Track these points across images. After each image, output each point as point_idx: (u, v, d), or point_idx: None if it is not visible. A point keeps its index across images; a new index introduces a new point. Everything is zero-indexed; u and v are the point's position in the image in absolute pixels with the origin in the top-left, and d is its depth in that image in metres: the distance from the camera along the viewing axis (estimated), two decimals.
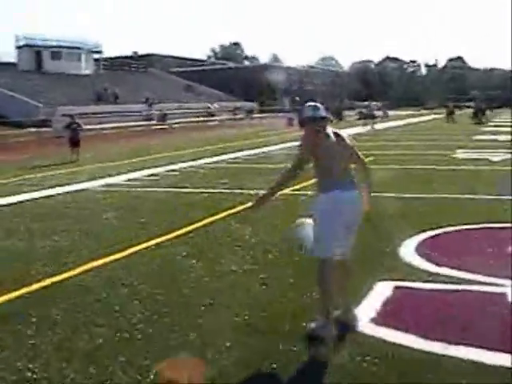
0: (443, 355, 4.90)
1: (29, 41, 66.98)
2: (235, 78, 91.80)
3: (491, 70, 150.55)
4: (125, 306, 6.27)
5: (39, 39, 67.60)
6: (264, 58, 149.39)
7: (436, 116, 65.70)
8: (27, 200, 14.17)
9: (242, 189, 14.45)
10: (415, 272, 7.21)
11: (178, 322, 5.77)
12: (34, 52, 66.55)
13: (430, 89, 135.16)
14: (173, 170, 19.57)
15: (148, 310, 6.09)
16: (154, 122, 55.65)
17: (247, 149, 27.51)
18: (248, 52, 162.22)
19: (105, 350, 5.17)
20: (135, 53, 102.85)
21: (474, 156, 21.67)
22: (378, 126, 43.03)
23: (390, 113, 67.21)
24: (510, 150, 22.54)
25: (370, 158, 16.34)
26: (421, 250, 8.17)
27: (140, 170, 19.83)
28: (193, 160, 22.67)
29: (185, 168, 20.23)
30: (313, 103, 5.72)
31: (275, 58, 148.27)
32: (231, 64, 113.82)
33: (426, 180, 15.58)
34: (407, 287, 6.78)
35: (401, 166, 18.86)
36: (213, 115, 67.66)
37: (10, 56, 68.75)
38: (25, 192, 15.39)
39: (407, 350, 5.02)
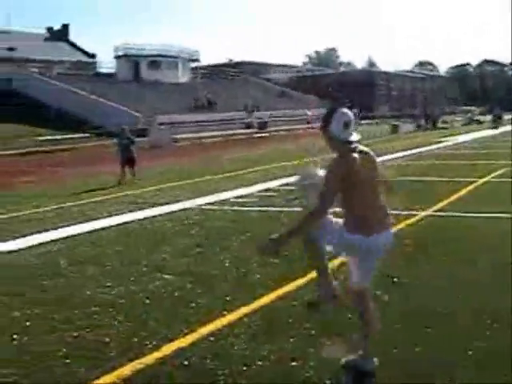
0: None
1: (127, 51, 67.27)
2: (333, 84, 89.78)
3: None
4: None
5: (137, 49, 67.74)
6: (360, 64, 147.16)
7: None
8: (128, 222, 12.70)
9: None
10: None
11: None
12: (132, 62, 66.69)
13: None
14: (286, 184, 17.74)
15: None
16: (254, 130, 54.37)
17: None
18: (343, 58, 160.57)
19: None
20: (230, 60, 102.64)
21: None
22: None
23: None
24: None
25: None
26: None
27: (252, 184, 18.18)
28: None
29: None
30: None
31: (371, 64, 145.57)
32: (330, 70, 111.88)
33: None
34: None
35: None
36: (310, 122, 66.04)
37: (109, 66, 69.72)
38: (129, 211, 14.00)
39: None
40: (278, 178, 19.12)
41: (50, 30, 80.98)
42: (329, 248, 4.96)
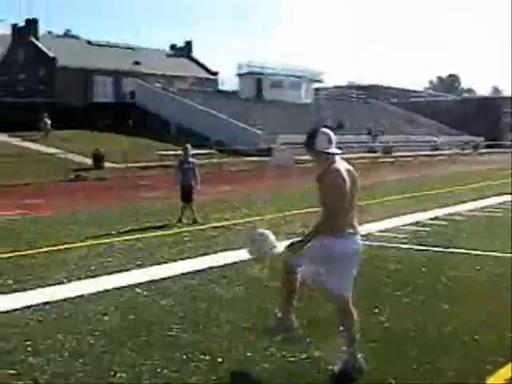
0: None
1: (250, 69, 66.51)
2: (456, 111, 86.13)
3: None
4: None
5: (260, 67, 66.87)
6: (481, 91, 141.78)
7: None
8: None
9: None
10: None
11: None
12: (255, 80, 65.83)
13: None
14: (434, 218, 15.63)
15: None
16: (379, 155, 52.21)
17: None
18: (464, 84, 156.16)
19: None
20: (351, 83, 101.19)
21: None
22: None
23: None
24: None
25: None
26: None
27: (389, 216, 16.15)
28: (452, 205, 18.58)
29: (449, 215, 16.30)
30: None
31: (496, 90, 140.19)
32: (452, 96, 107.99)
33: None
34: None
35: None
36: (437, 149, 63.31)
37: (231, 83, 69.44)
38: None
39: None
40: (419, 210, 17.09)
41: (173, 46, 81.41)
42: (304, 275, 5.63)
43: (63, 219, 16.52)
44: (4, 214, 17.64)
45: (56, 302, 8.03)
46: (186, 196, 15.83)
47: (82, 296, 8.28)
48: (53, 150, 38.59)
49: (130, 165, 35.65)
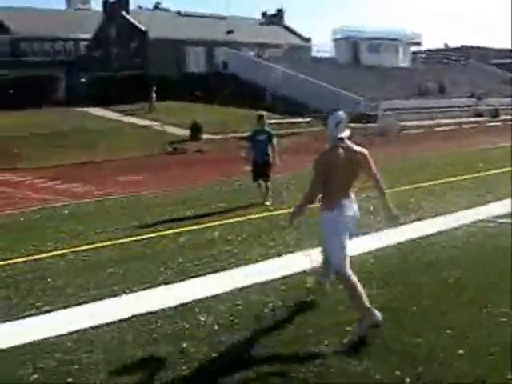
0: None
1: (346, 33, 64.48)
2: None
3: None
4: None
5: (357, 32, 64.70)
6: None
7: None
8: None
9: None
10: None
11: None
12: (351, 45, 63.78)
13: None
14: None
15: None
16: (486, 119, 49.34)
17: None
18: None
19: None
20: (446, 45, 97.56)
21: None
22: None
23: None
24: None
25: None
26: None
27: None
28: None
29: None
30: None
31: None
32: None
33: None
34: None
35: None
36: None
37: (325, 50, 67.59)
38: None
39: None
40: None
41: (264, 14, 79.93)
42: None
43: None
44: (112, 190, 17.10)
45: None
46: (262, 171, 13.64)
47: None
48: (147, 123, 37.89)
49: (228, 136, 34.52)
